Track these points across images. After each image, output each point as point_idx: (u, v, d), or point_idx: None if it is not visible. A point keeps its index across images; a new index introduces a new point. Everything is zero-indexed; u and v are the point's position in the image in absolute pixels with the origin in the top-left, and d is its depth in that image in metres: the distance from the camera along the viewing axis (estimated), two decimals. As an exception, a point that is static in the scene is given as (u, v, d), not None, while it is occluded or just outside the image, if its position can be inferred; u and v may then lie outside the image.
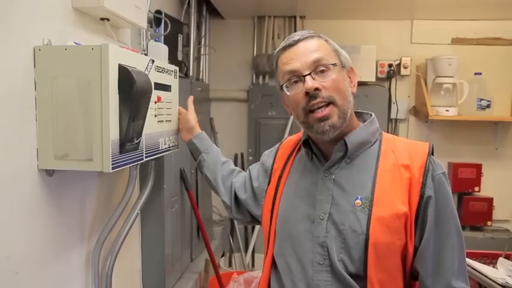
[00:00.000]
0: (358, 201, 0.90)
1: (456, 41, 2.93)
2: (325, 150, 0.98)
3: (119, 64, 1.02)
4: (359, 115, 1.04)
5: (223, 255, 3.05)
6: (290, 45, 0.95)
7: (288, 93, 0.96)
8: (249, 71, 3.11)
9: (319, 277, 0.91)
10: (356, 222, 0.89)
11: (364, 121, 1.01)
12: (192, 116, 1.44)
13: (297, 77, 0.93)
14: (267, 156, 1.20)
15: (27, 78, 1.00)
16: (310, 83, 0.91)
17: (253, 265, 3.04)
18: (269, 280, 1.01)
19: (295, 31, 2.98)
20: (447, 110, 2.69)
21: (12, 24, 0.95)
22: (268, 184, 1.10)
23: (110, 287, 1.36)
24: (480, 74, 2.81)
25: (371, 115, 1.02)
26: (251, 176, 1.22)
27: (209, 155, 1.35)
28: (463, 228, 2.80)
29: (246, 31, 3.08)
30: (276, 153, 1.15)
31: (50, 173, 1.08)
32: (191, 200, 2.12)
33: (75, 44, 1.06)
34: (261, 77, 3.07)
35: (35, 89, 1.01)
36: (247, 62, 3.10)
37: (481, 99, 2.79)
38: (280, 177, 1.07)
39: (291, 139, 1.15)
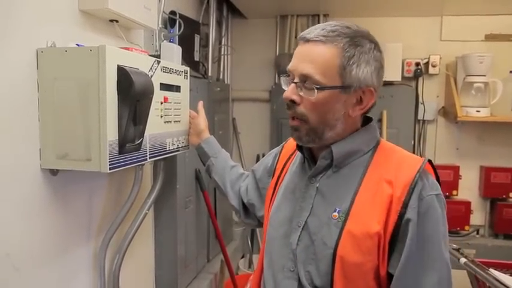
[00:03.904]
0: (336, 213, 0.84)
1: (490, 37, 2.77)
2: (317, 155, 0.93)
3: (118, 65, 1.03)
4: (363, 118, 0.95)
5: (243, 257, 3.04)
6: (301, 39, 0.87)
7: (282, 85, 0.92)
8: (272, 71, 3.09)
9: (286, 283, 0.88)
10: (328, 235, 0.84)
11: (367, 123, 0.93)
12: (201, 120, 1.42)
13: (291, 78, 0.88)
14: (271, 155, 1.17)
15: (31, 80, 1.02)
16: (288, 92, 0.86)
17: (273, 267, 3.00)
18: (260, 280, 1.00)
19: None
20: (478, 111, 2.55)
21: (17, 27, 0.98)
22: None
23: (117, 285, 1.38)
24: (516, 72, 2.65)
25: (371, 120, 0.94)
26: (255, 178, 1.20)
27: (217, 160, 1.33)
28: (496, 236, 2.73)
29: (268, 31, 3.05)
30: (280, 152, 1.13)
31: (54, 172, 1.10)
32: (206, 201, 2.12)
33: (76, 46, 1.07)
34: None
35: (38, 90, 1.04)
36: (270, 61, 3.07)
37: (517, 99, 2.62)
38: (278, 177, 1.05)
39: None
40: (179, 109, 1.40)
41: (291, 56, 2.91)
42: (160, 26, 1.70)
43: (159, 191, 1.47)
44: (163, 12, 1.76)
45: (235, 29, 3.04)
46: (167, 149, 1.35)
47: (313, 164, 0.93)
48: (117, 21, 1.32)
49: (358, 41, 0.84)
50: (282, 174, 1.04)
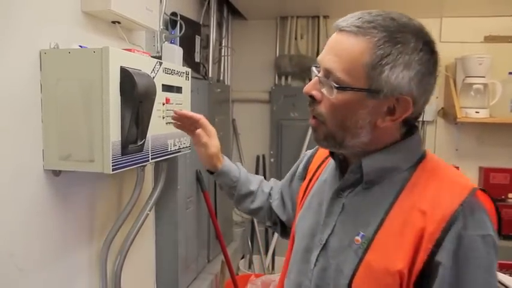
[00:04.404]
0: (358, 238, 0.72)
1: (489, 38, 2.77)
2: (350, 164, 0.80)
3: (121, 66, 1.03)
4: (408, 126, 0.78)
5: (243, 257, 3.04)
6: (335, 27, 0.75)
7: (312, 76, 0.79)
8: (272, 72, 3.09)
9: None
10: (346, 262, 0.72)
11: (411, 134, 0.77)
12: (211, 145, 1.10)
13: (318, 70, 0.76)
14: (304, 157, 1.05)
15: (34, 81, 1.03)
16: (308, 86, 0.76)
17: (273, 268, 3.01)
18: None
19: (318, 31, 2.93)
20: (477, 112, 2.55)
21: (20, 29, 0.99)
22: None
23: (118, 285, 1.38)
24: (515, 73, 2.66)
25: (416, 130, 0.78)
26: (288, 188, 1.08)
27: (237, 189, 1.11)
28: (495, 237, 2.74)
29: (268, 32, 3.06)
30: (315, 154, 1.02)
31: (56, 173, 1.11)
32: (206, 201, 2.13)
33: (79, 47, 1.08)
34: (283, 78, 3.04)
35: (41, 91, 1.04)
36: (270, 62, 3.08)
37: (516, 101, 2.63)
38: (310, 180, 0.95)
39: None
40: (181, 110, 1.40)
41: (291, 57, 2.89)
42: (161, 27, 1.71)
43: (160, 192, 1.48)
44: (165, 13, 1.76)
45: (235, 30, 3.04)
46: (169, 150, 1.35)
47: (343, 175, 0.80)
48: (119, 22, 1.33)
49: (401, 38, 0.68)
50: (313, 177, 0.94)
